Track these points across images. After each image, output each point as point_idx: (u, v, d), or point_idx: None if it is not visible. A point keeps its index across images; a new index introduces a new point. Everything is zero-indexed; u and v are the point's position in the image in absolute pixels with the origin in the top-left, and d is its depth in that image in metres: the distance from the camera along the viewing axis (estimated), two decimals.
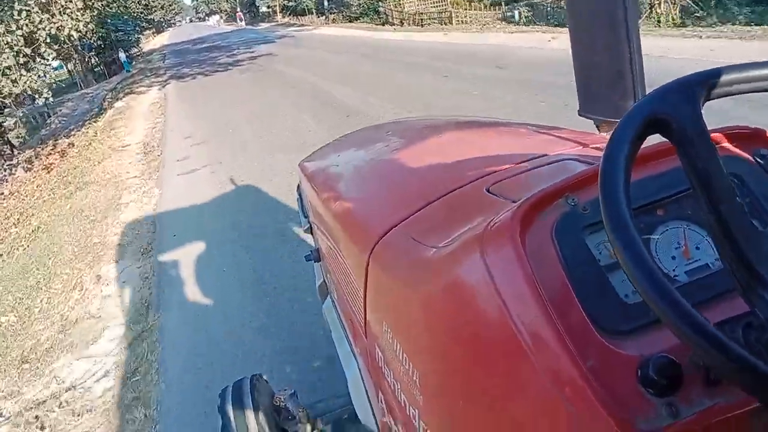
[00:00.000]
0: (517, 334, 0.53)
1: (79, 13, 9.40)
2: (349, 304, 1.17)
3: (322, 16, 30.20)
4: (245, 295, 3.16)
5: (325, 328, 1.68)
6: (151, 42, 44.24)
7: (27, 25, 8.29)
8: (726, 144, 0.64)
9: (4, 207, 7.46)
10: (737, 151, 0.63)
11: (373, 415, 1.06)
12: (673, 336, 0.40)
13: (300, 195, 1.83)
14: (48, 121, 13.45)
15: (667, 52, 7.15)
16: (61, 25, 8.98)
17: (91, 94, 17.57)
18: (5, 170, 8.81)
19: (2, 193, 8.12)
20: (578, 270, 0.55)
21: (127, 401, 2.53)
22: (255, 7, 47.22)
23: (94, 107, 14.04)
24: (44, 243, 4.96)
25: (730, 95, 0.50)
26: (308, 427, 1.53)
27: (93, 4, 11.29)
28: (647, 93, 0.54)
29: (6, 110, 9.59)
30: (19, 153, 9.92)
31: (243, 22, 46.43)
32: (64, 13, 9.05)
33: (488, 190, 0.88)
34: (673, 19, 9.77)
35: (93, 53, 19.67)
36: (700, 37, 7.89)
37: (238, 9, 52.16)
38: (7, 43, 8.03)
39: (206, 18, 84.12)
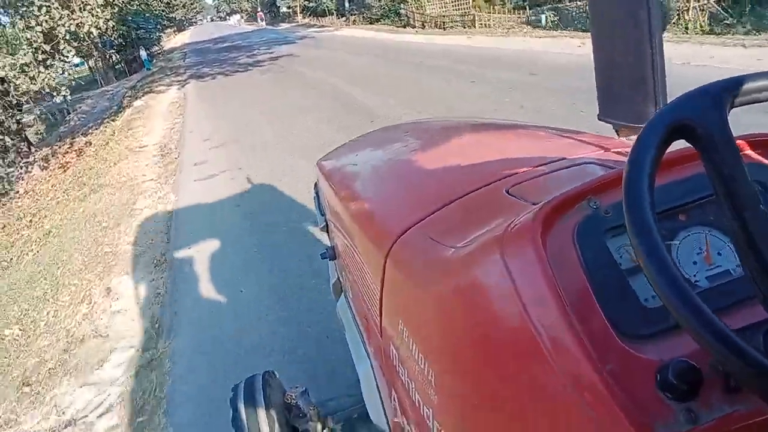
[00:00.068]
0: (537, 336, 0.52)
1: (99, 10, 9.27)
2: (364, 303, 1.15)
3: (342, 17, 30.00)
4: (265, 331, 2.81)
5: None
6: (173, 40, 44.51)
7: (47, 21, 8.15)
8: (749, 151, 0.64)
9: (18, 206, 7.33)
10: (761, 158, 0.63)
11: (385, 414, 1.05)
12: (693, 341, 0.40)
13: (317, 193, 1.82)
14: (67, 118, 13.39)
15: (710, 61, 6.78)
16: (81, 22, 8.84)
17: (111, 92, 17.56)
18: (22, 168, 8.70)
19: (17, 192, 7.99)
20: (599, 273, 0.55)
21: None
22: (276, 7, 47.24)
23: (113, 105, 13.96)
24: (54, 249, 4.75)
25: (757, 102, 0.49)
26: (319, 426, 1.52)
27: (114, 1, 11.16)
28: (671, 99, 0.52)
29: (24, 107, 9.50)
30: (36, 150, 9.82)
31: (263, 22, 46.54)
32: (84, 10, 8.91)
33: (508, 192, 0.87)
34: (701, 26, 9.41)
35: (114, 51, 19.66)
36: (744, 45, 7.47)
37: (259, 9, 52.32)
38: (27, 39, 7.89)
39: (227, 17, 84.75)
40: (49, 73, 8.23)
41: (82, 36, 9.86)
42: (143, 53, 22.19)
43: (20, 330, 3.62)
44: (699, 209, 0.60)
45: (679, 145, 0.51)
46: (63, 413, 2.58)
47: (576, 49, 9.39)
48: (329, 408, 1.62)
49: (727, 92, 0.48)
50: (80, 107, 15.06)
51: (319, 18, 34.43)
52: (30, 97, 8.92)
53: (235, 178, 5.45)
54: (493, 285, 0.62)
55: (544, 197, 0.64)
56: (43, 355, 3.21)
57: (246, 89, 11.57)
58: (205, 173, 5.89)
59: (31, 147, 9.97)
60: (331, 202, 1.50)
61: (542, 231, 0.58)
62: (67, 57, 9.33)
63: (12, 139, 8.66)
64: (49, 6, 8.14)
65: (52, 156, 9.26)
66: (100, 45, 16.12)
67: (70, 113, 13.81)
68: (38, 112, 10.41)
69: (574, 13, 13.10)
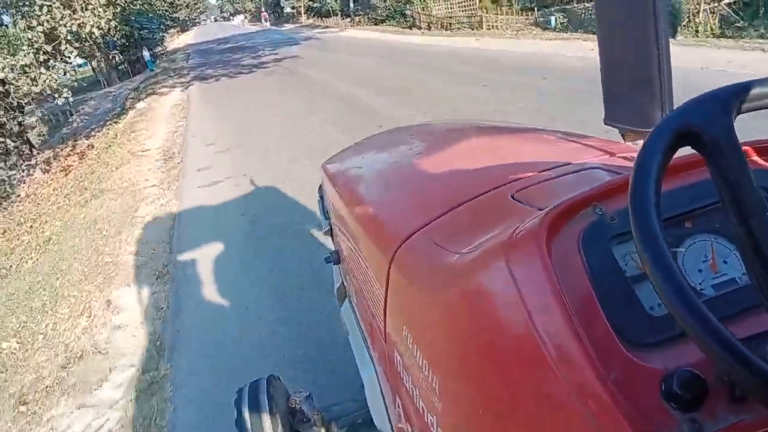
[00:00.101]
0: (541, 343, 0.51)
1: (101, 10, 9.13)
2: (368, 308, 1.14)
3: (347, 18, 29.87)
4: (271, 354, 2.66)
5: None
6: (176, 41, 44.47)
7: (48, 21, 8.02)
8: (755, 157, 0.63)
9: (19, 210, 7.21)
10: (767, 164, 0.62)
11: (389, 420, 1.04)
12: (699, 350, 0.40)
13: (321, 196, 1.80)
14: (70, 120, 13.29)
15: (728, 66, 6.62)
16: (83, 22, 8.71)
17: (114, 93, 17.46)
18: (23, 171, 8.58)
19: (18, 195, 7.88)
20: (604, 280, 0.54)
21: None
22: (280, 7, 47.18)
23: (116, 107, 13.85)
24: (54, 258, 4.62)
25: (764, 108, 0.49)
26: (323, 431, 1.51)
27: (116, 0, 11.03)
28: (677, 105, 0.51)
29: (27, 108, 9.39)
30: (38, 153, 9.70)
31: (267, 23, 46.42)
32: (86, 9, 8.77)
33: (513, 197, 0.86)
34: (712, 29, 9.26)
35: (117, 51, 19.57)
36: (763, 50, 7.30)
37: (263, 9, 52.25)
38: (28, 39, 7.76)
39: (231, 17, 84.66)
40: (50, 75, 8.10)
41: (84, 36, 9.73)
42: (146, 54, 22.09)
43: (18, 343, 3.49)
44: (705, 216, 0.60)
45: (685, 150, 0.50)
46: None
47: (589, 52, 9.20)
48: (333, 413, 1.61)
49: (734, 98, 0.47)
50: (83, 108, 14.98)
51: (324, 19, 34.30)
52: (32, 99, 8.80)
53: (239, 185, 5.31)
54: (498, 291, 0.62)
55: (550, 203, 0.64)
56: (41, 371, 3.08)
57: (250, 91, 11.44)
58: (209, 179, 5.74)
59: (33, 149, 9.86)
60: (335, 206, 1.49)
61: (547, 237, 0.57)
62: (69, 58, 9.20)
63: (14, 142, 8.56)
64: (50, 5, 8.01)
65: (54, 159, 9.14)
66: (102, 45, 16.01)
67: (72, 114, 13.71)
68: (41, 114, 10.31)
69: (583, 15, 12.91)
